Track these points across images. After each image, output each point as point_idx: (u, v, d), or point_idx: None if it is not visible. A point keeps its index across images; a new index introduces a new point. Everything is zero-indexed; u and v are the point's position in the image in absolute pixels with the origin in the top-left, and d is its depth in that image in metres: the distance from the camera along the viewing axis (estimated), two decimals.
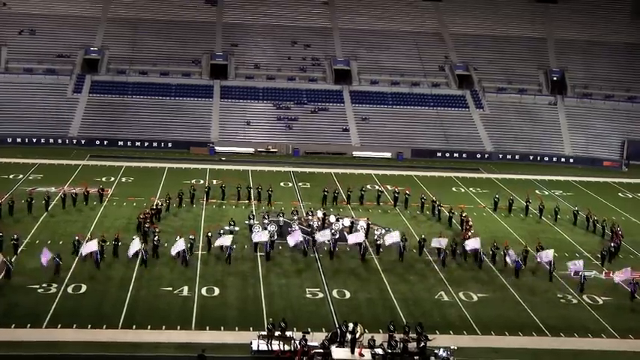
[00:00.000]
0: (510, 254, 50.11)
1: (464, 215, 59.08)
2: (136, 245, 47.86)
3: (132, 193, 64.10)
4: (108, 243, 48.65)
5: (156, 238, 49.98)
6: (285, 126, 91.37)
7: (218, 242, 49.73)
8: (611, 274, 49.47)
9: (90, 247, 47.13)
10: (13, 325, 38.35)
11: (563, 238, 57.55)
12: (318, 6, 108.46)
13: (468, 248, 51.65)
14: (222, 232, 52.10)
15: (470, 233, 54.41)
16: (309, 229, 53.83)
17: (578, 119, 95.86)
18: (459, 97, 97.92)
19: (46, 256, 45.19)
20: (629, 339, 41.19)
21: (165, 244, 49.80)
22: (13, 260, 45.38)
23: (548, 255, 49.96)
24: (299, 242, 51.21)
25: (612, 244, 54.28)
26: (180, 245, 48.23)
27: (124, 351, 36.43)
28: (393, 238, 52.27)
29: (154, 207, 57.57)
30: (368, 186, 69.25)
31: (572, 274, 48.69)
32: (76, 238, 49.41)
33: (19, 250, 48.29)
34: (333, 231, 52.92)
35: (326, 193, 63.56)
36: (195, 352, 34.77)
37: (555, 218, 62.63)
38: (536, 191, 73.27)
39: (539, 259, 50.80)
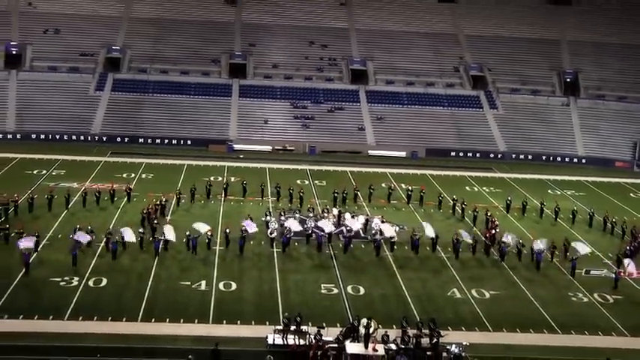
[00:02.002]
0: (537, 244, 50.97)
1: (489, 214, 59.06)
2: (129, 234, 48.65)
3: (152, 189, 64.27)
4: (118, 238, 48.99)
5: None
6: (302, 125, 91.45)
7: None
8: (622, 274, 49.20)
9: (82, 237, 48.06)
10: (36, 317, 38.67)
11: (577, 239, 56.96)
12: (335, 7, 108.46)
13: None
14: (243, 229, 52.08)
15: (494, 231, 54.41)
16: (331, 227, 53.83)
17: (591, 120, 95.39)
18: (473, 97, 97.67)
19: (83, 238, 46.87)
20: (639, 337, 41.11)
21: (184, 240, 50.00)
22: (33, 257, 45.69)
23: (584, 248, 50.59)
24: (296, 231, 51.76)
25: (628, 247, 53.48)
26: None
27: (143, 343, 36.67)
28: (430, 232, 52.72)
29: (159, 202, 57.67)
30: (382, 184, 69.27)
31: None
32: (78, 226, 49.85)
33: (41, 245, 48.52)
34: (348, 228, 53.01)
35: (336, 195, 63.21)
36: (212, 345, 34.95)
37: (573, 220, 62.17)
38: (549, 191, 73.10)
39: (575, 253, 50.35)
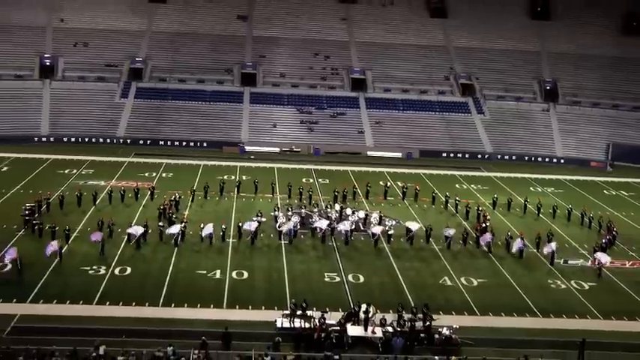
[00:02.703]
0: (518, 242, 50.81)
1: (481, 209, 59.16)
2: (174, 229, 48.99)
3: (171, 187, 64.21)
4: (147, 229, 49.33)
5: (183, 225, 50.51)
6: (307, 128, 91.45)
7: (246, 226, 50.40)
8: (596, 263, 49.13)
9: (135, 230, 48.43)
10: (68, 302, 38.95)
11: (557, 232, 56.78)
12: (337, 22, 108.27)
13: (482, 242, 51.60)
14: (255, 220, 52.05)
15: (485, 225, 54.32)
16: (328, 221, 53.87)
17: (569, 124, 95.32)
18: (462, 103, 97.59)
19: (96, 236, 46.66)
20: (611, 320, 41.17)
21: (200, 232, 50.02)
22: (65, 248, 45.81)
23: (551, 246, 50.21)
24: (322, 228, 51.64)
25: (604, 240, 53.30)
26: (208, 229, 49.44)
27: (163, 325, 36.78)
28: (414, 226, 52.77)
29: (173, 198, 57.35)
30: (381, 182, 69.19)
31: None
32: (100, 219, 50.55)
33: (71, 238, 48.57)
34: (350, 222, 53.04)
35: (336, 194, 62.72)
36: (224, 328, 35.13)
37: (553, 215, 61.92)
38: (531, 188, 73.05)
39: (546, 251, 50.37)
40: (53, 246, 44.50)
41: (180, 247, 48.28)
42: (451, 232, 51.84)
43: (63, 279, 42.26)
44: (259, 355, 32.30)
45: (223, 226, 50.61)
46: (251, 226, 50.18)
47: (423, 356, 34.38)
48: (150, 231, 49.84)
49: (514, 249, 50.71)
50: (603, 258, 48.45)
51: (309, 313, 37.22)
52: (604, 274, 47.91)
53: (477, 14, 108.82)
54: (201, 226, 50.17)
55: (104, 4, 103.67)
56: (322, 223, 51.89)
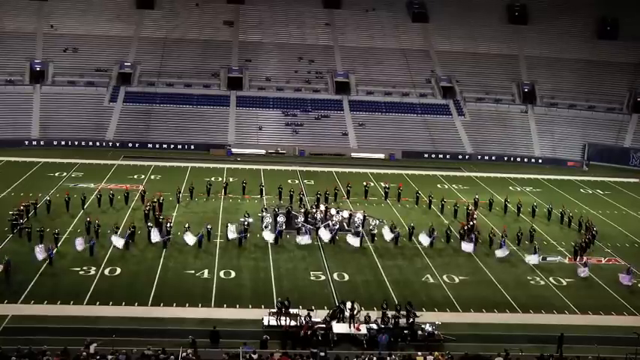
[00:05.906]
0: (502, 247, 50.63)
1: (470, 209, 59.17)
2: (155, 235, 48.68)
3: (159, 188, 63.63)
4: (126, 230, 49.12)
5: (169, 225, 50.33)
6: (292, 131, 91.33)
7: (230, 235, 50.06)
8: (573, 260, 49.34)
9: (116, 240, 47.67)
10: (59, 302, 38.76)
11: (537, 230, 56.68)
12: (321, 27, 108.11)
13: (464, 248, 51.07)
14: (246, 223, 51.83)
15: (472, 223, 54.32)
16: (313, 221, 53.83)
17: (546, 125, 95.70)
18: (443, 105, 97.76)
19: (80, 244, 46.08)
20: (588, 314, 41.44)
21: (183, 233, 49.80)
22: (54, 251, 45.32)
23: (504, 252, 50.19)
24: (309, 237, 51.07)
25: (583, 240, 52.92)
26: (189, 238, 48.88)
27: (152, 324, 36.67)
28: (389, 234, 52.30)
29: (155, 200, 56.79)
30: (364, 183, 69.06)
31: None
32: (88, 219, 50.34)
33: (60, 241, 48.16)
34: (333, 222, 52.93)
35: (319, 196, 62.15)
36: (213, 326, 35.00)
37: (533, 214, 62.08)
38: (510, 188, 73.26)
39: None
40: (41, 252, 43.96)
41: (168, 248, 48.06)
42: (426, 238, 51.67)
43: (53, 280, 42.02)
44: (247, 353, 32.20)
45: (209, 227, 50.38)
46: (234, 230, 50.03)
47: (406, 352, 34.32)
48: (139, 232, 49.60)
49: (499, 253, 50.31)
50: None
51: (295, 311, 37.10)
52: (580, 271, 48.08)
53: (457, 19, 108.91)
54: (186, 226, 49.98)
55: (93, 10, 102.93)
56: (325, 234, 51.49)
